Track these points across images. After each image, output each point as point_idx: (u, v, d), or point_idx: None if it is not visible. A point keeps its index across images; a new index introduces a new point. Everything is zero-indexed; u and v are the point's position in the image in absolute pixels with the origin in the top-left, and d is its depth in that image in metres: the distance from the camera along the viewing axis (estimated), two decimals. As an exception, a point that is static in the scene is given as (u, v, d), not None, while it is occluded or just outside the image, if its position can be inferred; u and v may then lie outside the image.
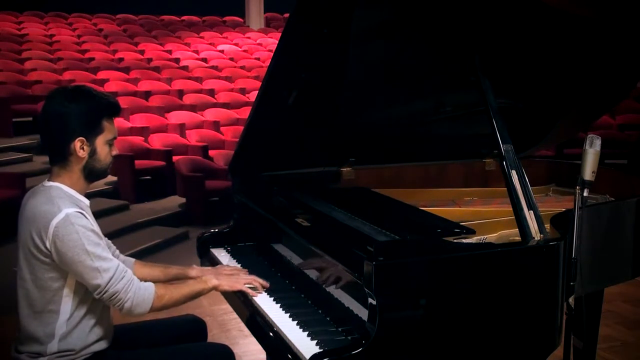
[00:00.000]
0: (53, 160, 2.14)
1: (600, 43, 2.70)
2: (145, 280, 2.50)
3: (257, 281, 2.39)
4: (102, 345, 2.16)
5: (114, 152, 2.19)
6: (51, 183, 2.11)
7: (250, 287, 2.37)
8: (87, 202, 2.16)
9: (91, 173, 2.15)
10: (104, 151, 2.15)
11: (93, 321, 2.13)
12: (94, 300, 2.11)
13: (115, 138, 2.19)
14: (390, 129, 3.08)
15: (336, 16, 2.39)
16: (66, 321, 2.08)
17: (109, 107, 2.15)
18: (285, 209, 2.70)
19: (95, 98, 2.13)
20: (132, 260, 2.52)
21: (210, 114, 9.75)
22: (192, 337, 2.48)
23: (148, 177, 7.91)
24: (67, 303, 2.08)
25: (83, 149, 2.09)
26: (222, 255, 2.87)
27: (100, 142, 2.13)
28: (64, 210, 2.01)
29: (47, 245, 2.01)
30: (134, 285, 2.08)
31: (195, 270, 2.54)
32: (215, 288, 2.30)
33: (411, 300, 1.88)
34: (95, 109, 2.11)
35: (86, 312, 2.11)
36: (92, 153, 2.12)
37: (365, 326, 1.86)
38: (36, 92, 9.75)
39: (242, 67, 12.59)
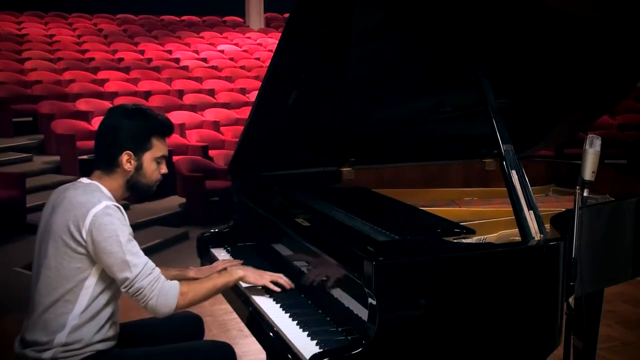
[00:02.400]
0: (99, 166, 2.21)
1: (600, 43, 2.70)
2: None
3: (283, 279, 2.36)
4: (105, 345, 2.17)
5: (163, 171, 2.28)
6: (90, 181, 2.19)
7: (274, 284, 2.36)
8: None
9: (135, 187, 2.23)
10: (151, 167, 2.23)
11: (103, 321, 2.15)
12: (109, 301, 2.15)
13: (164, 156, 2.27)
14: (391, 128, 3.08)
15: (336, 16, 2.40)
16: (80, 314, 2.11)
17: (160, 126, 2.25)
18: (285, 209, 2.70)
19: (147, 116, 2.25)
20: None
21: (210, 114, 9.75)
22: (189, 333, 2.49)
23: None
24: (85, 295, 2.11)
25: (130, 162, 2.19)
26: (222, 255, 2.87)
27: (147, 158, 2.22)
28: (104, 202, 2.09)
29: (83, 234, 2.05)
30: (159, 283, 2.11)
31: (193, 271, 2.59)
32: (241, 279, 2.33)
33: (411, 300, 1.88)
34: (145, 126, 2.22)
35: (99, 310, 2.14)
36: (139, 168, 2.21)
37: (365, 326, 1.86)
38: (36, 92, 9.74)
39: (242, 67, 12.58)
